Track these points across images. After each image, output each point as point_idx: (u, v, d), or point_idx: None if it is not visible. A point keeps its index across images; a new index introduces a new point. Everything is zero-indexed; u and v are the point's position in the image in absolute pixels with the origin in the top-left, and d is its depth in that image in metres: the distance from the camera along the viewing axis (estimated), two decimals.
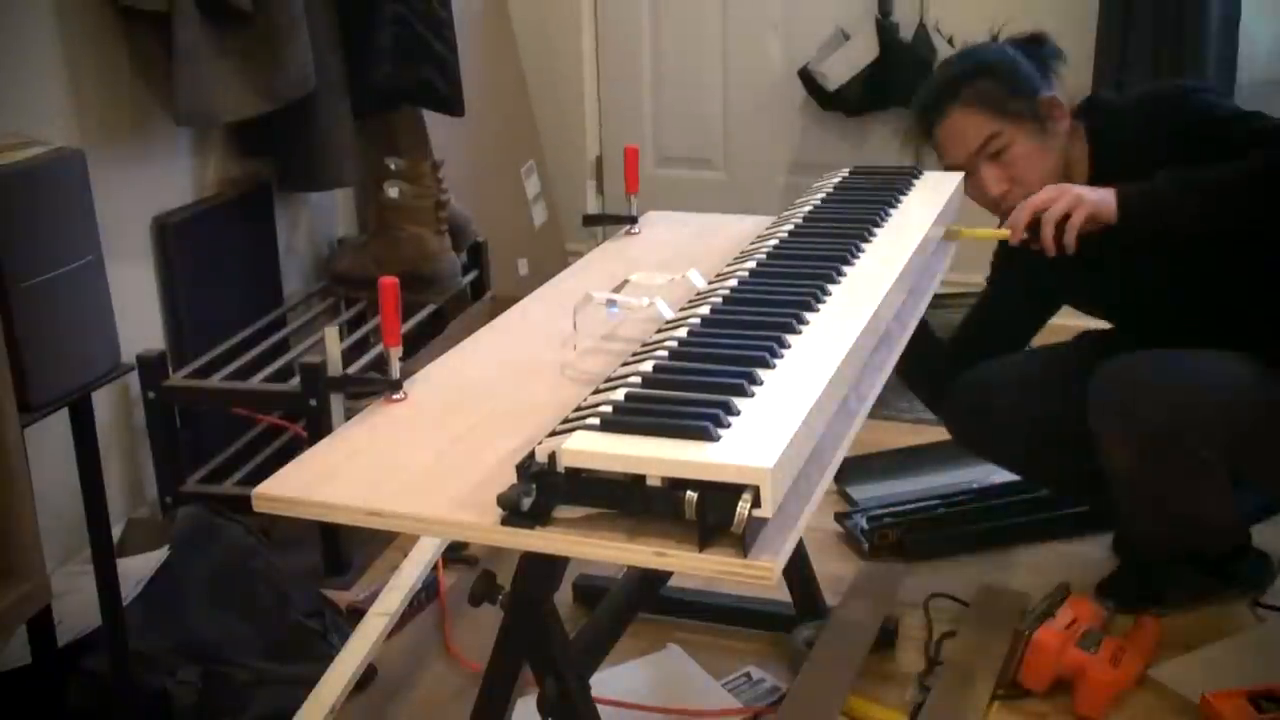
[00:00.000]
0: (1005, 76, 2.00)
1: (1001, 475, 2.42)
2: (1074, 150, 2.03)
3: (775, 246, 1.63)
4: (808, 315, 1.37)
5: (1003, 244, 2.06)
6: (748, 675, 2.01)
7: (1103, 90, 2.13)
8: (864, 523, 2.38)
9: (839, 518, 2.45)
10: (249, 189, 2.81)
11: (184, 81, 2.34)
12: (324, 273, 3.05)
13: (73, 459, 1.70)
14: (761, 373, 1.22)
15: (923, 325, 1.96)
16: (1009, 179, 1.98)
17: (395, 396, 1.38)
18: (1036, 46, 2.06)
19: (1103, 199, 1.84)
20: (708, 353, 1.29)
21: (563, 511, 1.11)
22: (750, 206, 2.57)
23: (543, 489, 1.09)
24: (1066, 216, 1.83)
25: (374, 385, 1.44)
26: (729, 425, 1.10)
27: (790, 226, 1.72)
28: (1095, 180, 1.98)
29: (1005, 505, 2.44)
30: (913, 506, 2.43)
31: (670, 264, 1.68)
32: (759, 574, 1.05)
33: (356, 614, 2.05)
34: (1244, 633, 2.06)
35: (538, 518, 1.10)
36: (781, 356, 1.26)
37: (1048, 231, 1.84)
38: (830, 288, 1.46)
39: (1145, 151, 1.92)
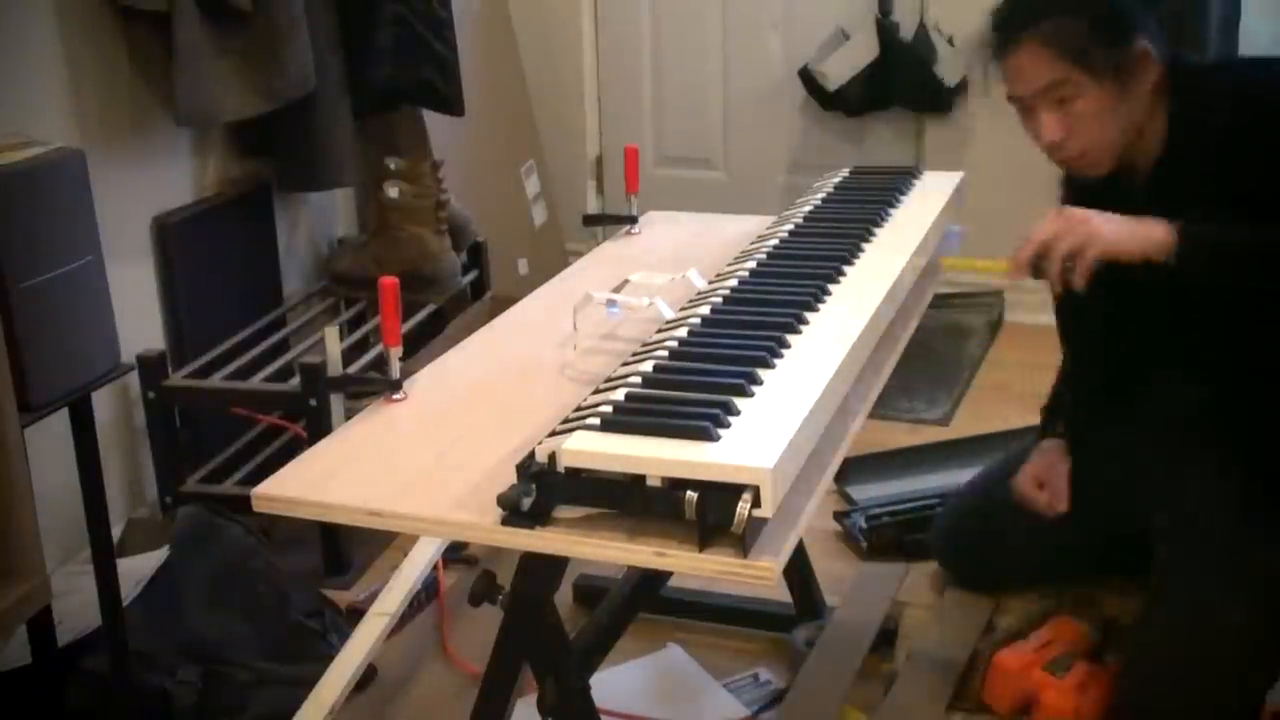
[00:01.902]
0: (1096, 15, 1.71)
1: None
2: (1153, 120, 1.76)
3: (775, 246, 1.63)
4: (808, 315, 1.37)
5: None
6: (755, 676, 2.01)
7: (1185, 56, 1.78)
8: (863, 522, 2.38)
9: (839, 518, 2.45)
10: (249, 189, 2.81)
11: (184, 81, 2.34)
12: (324, 273, 3.05)
13: (73, 459, 1.70)
14: (762, 373, 1.22)
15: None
16: (1067, 129, 1.73)
17: (395, 396, 1.38)
18: None
19: (1120, 237, 1.61)
20: (708, 353, 1.29)
21: (563, 511, 1.11)
22: (750, 206, 2.56)
23: (543, 489, 1.10)
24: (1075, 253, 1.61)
25: (374, 385, 1.44)
26: (729, 425, 1.10)
27: (790, 226, 1.72)
28: (1170, 158, 1.76)
29: None
30: (912, 506, 2.42)
31: (670, 264, 1.68)
32: (759, 574, 1.05)
33: (356, 614, 2.05)
34: None
35: (538, 518, 1.11)
36: (782, 356, 1.26)
37: (1054, 269, 1.63)
38: (830, 287, 1.46)
39: (1231, 147, 1.70)
